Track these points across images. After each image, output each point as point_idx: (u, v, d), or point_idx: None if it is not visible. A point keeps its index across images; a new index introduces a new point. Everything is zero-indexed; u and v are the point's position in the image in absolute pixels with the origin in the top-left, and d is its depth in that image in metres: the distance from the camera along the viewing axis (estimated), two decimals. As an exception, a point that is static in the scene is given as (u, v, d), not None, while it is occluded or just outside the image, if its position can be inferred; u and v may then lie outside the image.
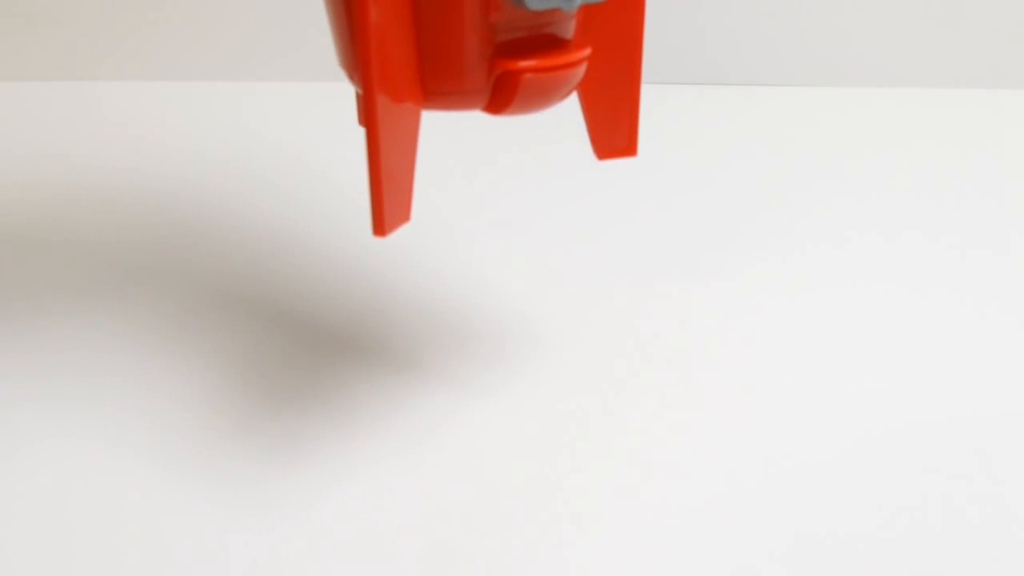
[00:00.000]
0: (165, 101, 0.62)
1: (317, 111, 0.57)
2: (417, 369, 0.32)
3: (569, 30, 0.24)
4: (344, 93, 0.42)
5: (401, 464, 0.27)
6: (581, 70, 0.23)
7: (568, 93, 0.24)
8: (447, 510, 0.26)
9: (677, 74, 0.63)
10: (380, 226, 0.22)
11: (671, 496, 0.26)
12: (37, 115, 0.61)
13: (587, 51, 0.23)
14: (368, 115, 0.22)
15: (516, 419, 0.29)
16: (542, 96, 0.23)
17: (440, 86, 0.23)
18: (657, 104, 0.61)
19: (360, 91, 0.24)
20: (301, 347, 0.33)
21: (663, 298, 0.36)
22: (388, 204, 0.22)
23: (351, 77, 0.24)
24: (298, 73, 0.61)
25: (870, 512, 0.26)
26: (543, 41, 0.23)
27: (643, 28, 0.26)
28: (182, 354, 0.33)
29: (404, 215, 0.23)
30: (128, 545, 0.25)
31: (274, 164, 0.52)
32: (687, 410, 0.30)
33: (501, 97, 0.23)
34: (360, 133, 0.23)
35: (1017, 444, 0.29)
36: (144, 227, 0.44)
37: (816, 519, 0.26)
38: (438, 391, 0.31)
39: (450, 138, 0.48)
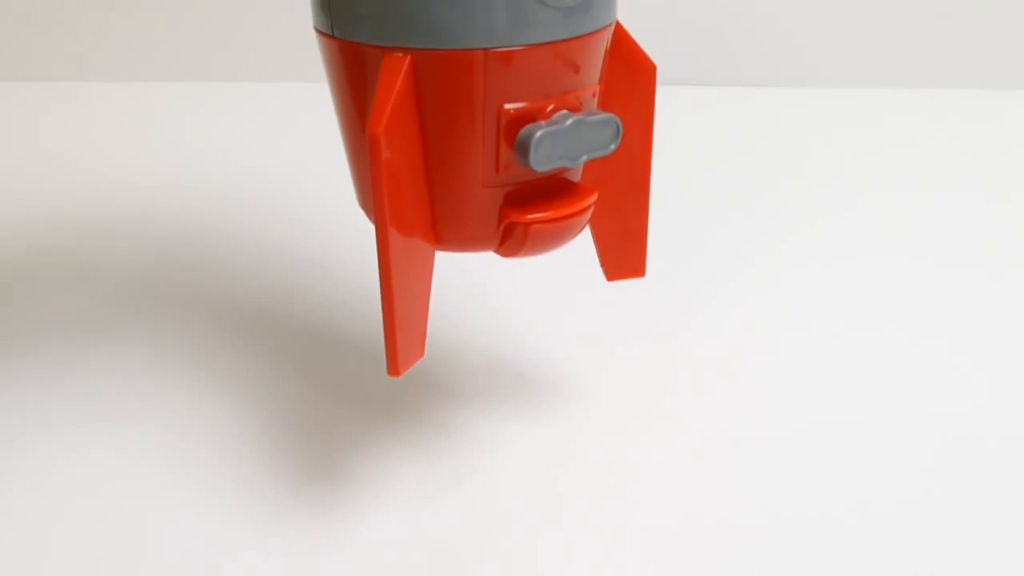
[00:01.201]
0: (163, 101, 0.62)
1: (318, 112, 0.58)
2: (440, 392, 0.33)
3: (577, 173, 0.25)
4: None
5: (432, 495, 0.28)
6: (589, 214, 0.25)
7: (578, 233, 0.25)
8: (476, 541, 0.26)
9: (677, 74, 0.64)
10: (394, 367, 0.24)
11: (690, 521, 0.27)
12: (37, 115, 0.61)
13: (594, 196, 0.24)
14: (381, 256, 0.23)
15: (546, 447, 0.30)
16: (552, 242, 0.24)
17: (451, 233, 0.24)
18: (657, 104, 0.61)
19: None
20: (319, 361, 0.34)
21: (664, 301, 0.37)
22: (402, 345, 0.23)
23: (370, 218, 0.25)
24: (297, 74, 0.62)
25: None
26: (551, 187, 0.24)
27: (651, 159, 0.27)
28: (211, 376, 0.34)
29: (418, 352, 0.24)
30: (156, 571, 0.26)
31: (279, 167, 0.52)
32: (703, 421, 0.31)
33: (512, 244, 0.24)
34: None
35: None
36: (147, 230, 0.45)
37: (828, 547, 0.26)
38: (455, 411, 0.31)
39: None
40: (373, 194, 0.22)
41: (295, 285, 0.40)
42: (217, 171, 0.52)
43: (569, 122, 0.23)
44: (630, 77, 0.25)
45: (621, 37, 0.25)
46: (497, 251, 0.25)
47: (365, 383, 0.33)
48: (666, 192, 0.48)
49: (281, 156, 0.54)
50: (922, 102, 0.63)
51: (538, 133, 0.22)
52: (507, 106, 0.23)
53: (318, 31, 0.24)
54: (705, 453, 0.29)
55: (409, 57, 0.22)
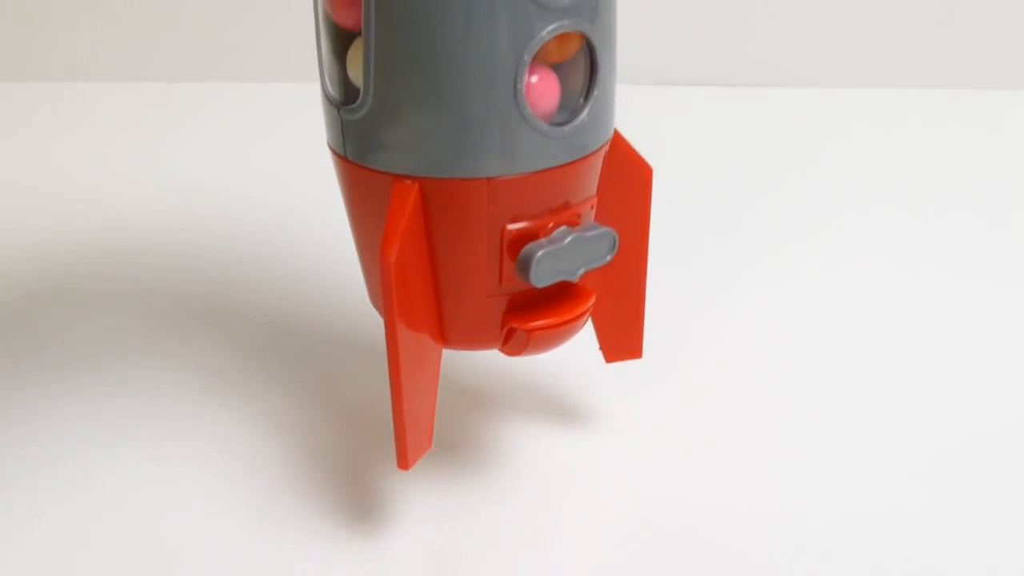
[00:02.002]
0: (163, 101, 0.64)
1: (317, 112, 0.58)
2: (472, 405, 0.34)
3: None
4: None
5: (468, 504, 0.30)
6: (588, 315, 0.27)
7: (578, 332, 0.27)
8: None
9: (678, 74, 0.65)
10: (404, 462, 0.26)
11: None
12: (36, 115, 0.63)
13: (592, 299, 0.26)
14: (391, 359, 0.25)
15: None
16: (552, 344, 0.26)
17: (457, 336, 0.26)
18: (656, 104, 0.63)
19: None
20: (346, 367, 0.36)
21: (665, 302, 0.37)
22: (411, 442, 0.26)
23: (381, 315, 0.27)
24: (297, 74, 0.62)
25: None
26: (552, 291, 0.26)
27: (647, 255, 0.29)
28: (225, 386, 0.35)
29: (426, 444, 0.27)
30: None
31: (280, 167, 0.53)
32: (711, 426, 0.32)
33: (515, 346, 0.26)
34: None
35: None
36: (146, 230, 0.46)
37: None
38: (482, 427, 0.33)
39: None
40: (384, 307, 0.24)
41: (304, 291, 0.41)
42: (217, 171, 0.54)
43: (568, 240, 0.25)
44: (627, 180, 0.27)
45: (618, 143, 0.27)
46: (501, 350, 0.27)
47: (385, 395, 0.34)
48: (665, 193, 0.49)
49: (282, 156, 0.55)
50: (922, 102, 0.64)
51: (539, 253, 0.24)
52: (510, 227, 0.24)
53: (332, 149, 0.26)
54: (718, 459, 0.31)
55: (418, 184, 0.24)
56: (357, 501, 0.30)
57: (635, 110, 0.34)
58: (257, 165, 0.54)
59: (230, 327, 0.39)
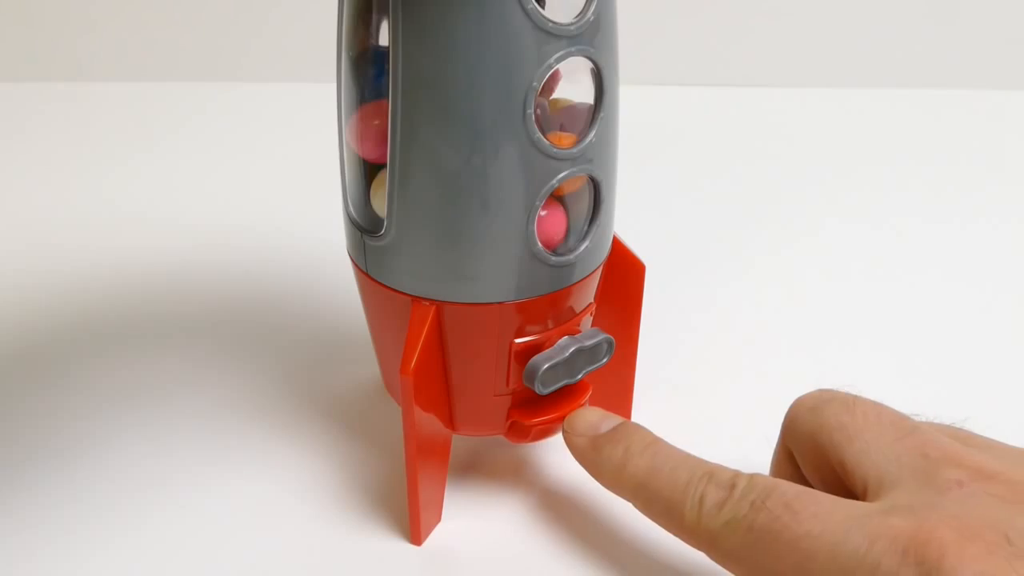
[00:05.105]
0: (163, 101, 0.66)
1: (318, 112, 0.60)
2: None
3: (575, 371, 0.31)
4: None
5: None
6: (584, 407, 0.31)
7: None
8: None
9: (677, 74, 0.68)
10: (417, 538, 0.30)
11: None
12: (37, 115, 0.65)
13: (589, 392, 0.31)
14: (408, 452, 0.29)
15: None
16: (552, 434, 0.30)
17: (466, 427, 0.30)
18: (658, 104, 0.65)
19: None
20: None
21: (663, 302, 0.39)
22: (424, 520, 0.30)
23: (396, 401, 0.31)
24: (297, 74, 0.65)
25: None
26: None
27: (638, 337, 0.33)
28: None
29: (436, 520, 0.31)
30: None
31: (280, 167, 0.56)
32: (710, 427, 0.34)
33: (518, 436, 0.30)
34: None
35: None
36: (147, 231, 0.49)
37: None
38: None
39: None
40: (404, 413, 0.28)
41: (309, 293, 0.43)
42: (217, 171, 0.56)
43: (570, 351, 0.29)
44: (623, 275, 0.31)
45: (615, 244, 0.31)
46: (506, 437, 0.31)
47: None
48: (665, 193, 0.53)
49: (282, 156, 0.57)
50: (922, 102, 0.66)
51: (544, 367, 0.28)
52: (517, 340, 0.28)
53: (353, 260, 0.30)
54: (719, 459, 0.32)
55: (435, 307, 0.28)
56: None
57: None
58: (257, 165, 0.57)
59: (223, 320, 0.41)
